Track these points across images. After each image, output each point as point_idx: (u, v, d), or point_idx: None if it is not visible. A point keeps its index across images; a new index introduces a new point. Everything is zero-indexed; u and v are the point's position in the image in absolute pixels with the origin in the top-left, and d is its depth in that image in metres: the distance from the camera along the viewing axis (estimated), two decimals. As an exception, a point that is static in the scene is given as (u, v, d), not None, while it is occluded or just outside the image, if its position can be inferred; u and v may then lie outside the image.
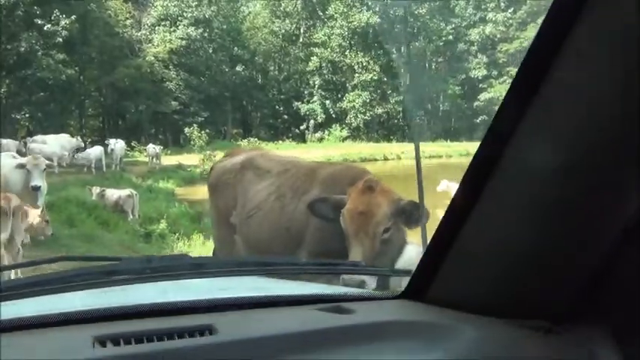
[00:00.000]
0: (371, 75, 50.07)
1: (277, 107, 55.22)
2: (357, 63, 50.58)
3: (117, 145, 28.00)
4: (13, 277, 5.36)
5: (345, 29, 50.44)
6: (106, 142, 28.25)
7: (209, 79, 50.11)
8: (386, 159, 40.11)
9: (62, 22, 32.81)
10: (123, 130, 45.39)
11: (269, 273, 2.07)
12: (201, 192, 27.15)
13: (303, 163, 5.33)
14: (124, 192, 15.88)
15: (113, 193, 15.88)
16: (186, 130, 32.78)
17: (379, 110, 50.84)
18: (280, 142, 46.07)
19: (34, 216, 7.75)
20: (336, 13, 50.62)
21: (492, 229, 1.40)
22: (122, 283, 1.55)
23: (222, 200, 5.39)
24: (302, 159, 5.91)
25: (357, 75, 50.67)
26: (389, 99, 51.24)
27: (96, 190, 16.03)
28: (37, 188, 8.96)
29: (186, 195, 24.49)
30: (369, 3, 49.94)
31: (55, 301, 1.49)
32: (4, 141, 24.91)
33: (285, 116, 55.33)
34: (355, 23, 49.38)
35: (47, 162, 9.29)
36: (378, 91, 51.24)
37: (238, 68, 52.38)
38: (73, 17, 33.44)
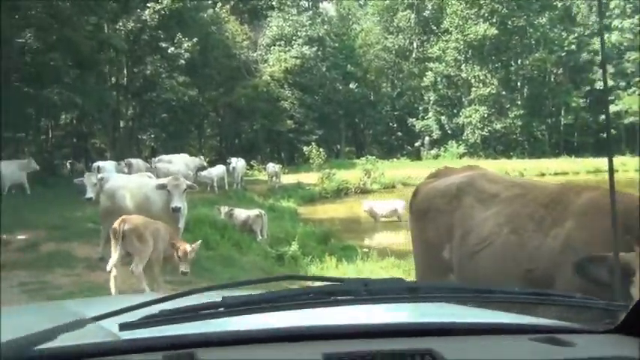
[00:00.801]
0: (488, 89, 48.42)
1: (391, 124, 54.62)
2: (474, 77, 49.09)
3: (238, 163, 28.07)
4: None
5: (461, 42, 49.12)
6: (227, 160, 28.36)
7: (323, 97, 50.25)
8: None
9: (185, 45, 33.72)
10: (239, 149, 46.13)
11: (483, 301, 1.90)
12: (321, 211, 27.09)
13: (541, 185, 4.38)
14: (253, 212, 15.65)
15: (241, 213, 15.68)
16: (305, 148, 32.72)
17: (497, 125, 48.93)
18: (395, 159, 45.15)
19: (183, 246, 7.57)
20: (451, 26, 49.42)
21: None
22: (341, 304, 1.55)
23: (433, 230, 4.52)
24: (536, 180, 4.95)
25: (473, 89, 49.22)
26: (507, 113, 49.26)
27: (224, 209, 15.89)
28: (177, 210, 8.68)
29: (308, 214, 24.21)
30: (486, 15, 48.38)
31: (277, 319, 1.53)
32: (134, 161, 25.52)
33: (399, 133, 54.63)
34: (471, 36, 47.95)
35: (188, 183, 9.01)
36: (496, 105, 49.40)
37: (352, 86, 52.20)
38: (195, 40, 34.29)
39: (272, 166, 30.10)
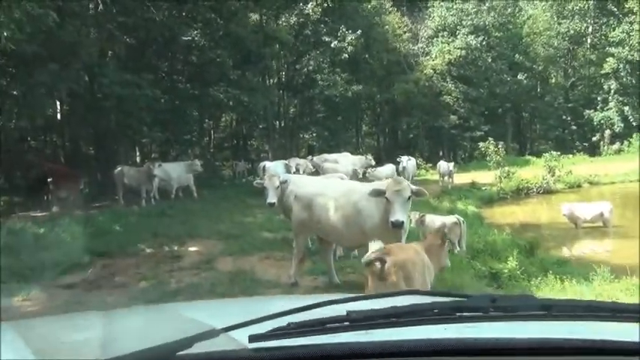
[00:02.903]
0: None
1: (564, 117, 49.92)
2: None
3: (409, 162, 25.93)
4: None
5: (651, 23, 43.45)
6: (397, 159, 26.20)
7: (488, 90, 46.83)
8: None
9: (348, 38, 31.95)
10: (397, 147, 44.01)
11: (622, 320, 1.70)
12: (503, 214, 24.17)
13: None
14: (449, 219, 13.28)
15: (435, 220, 13.39)
16: (481, 144, 29.79)
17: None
18: (570, 155, 40.65)
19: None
20: (637, 5, 43.86)
21: None
22: (468, 321, 1.53)
23: None
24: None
25: (668, 76, 43.47)
26: None
27: (415, 215, 13.65)
28: (399, 225, 6.53)
29: (490, 218, 21.46)
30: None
31: (402, 334, 1.50)
32: (302, 161, 24.18)
33: (573, 126, 49.78)
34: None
35: (413, 188, 6.76)
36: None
37: (519, 77, 48.27)
38: (359, 32, 32.43)
39: (445, 165, 27.53)
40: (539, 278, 10.98)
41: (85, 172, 22.72)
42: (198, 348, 1.37)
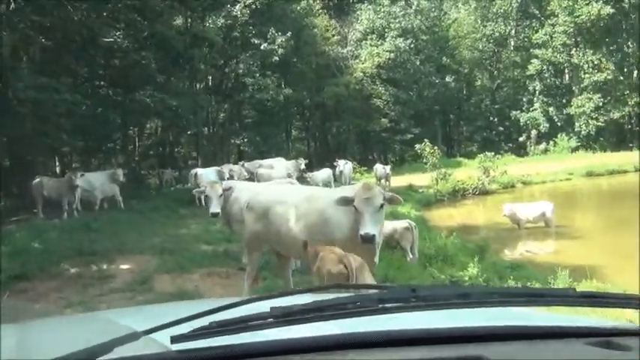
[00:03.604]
0: (604, 74, 43.64)
1: (491, 118, 50.58)
2: (586, 62, 44.41)
3: (346, 166, 25.53)
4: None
5: (570, 25, 44.41)
6: (334, 163, 25.71)
7: (417, 93, 46.98)
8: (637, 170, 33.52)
9: (278, 40, 31.00)
10: (329, 150, 43.49)
11: (536, 305, 1.79)
12: (439, 216, 23.81)
13: None
14: (400, 224, 12.48)
15: (386, 225, 12.60)
16: (417, 146, 29.39)
17: (615, 114, 44.04)
18: (499, 156, 40.94)
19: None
20: (558, 8, 44.85)
21: None
22: (390, 311, 1.52)
23: None
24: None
25: (586, 76, 44.52)
26: (627, 101, 44.25)
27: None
28: (371, 239, 5.65)
29: (431, 221, 20.96)
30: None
31: (326, 327, 1.52)
32: (236, 167, 23.33)
33: (500, 128, 50.50)
34: (583, 17, 43.21)
35: (387, 194, 5.88)
36: (613, 92, 44.53)
37: (447, 79, 48.66)
38: (289, 34, 31.54)
39: (381, 168, 27.02)
40: (500, 284, 10.45)
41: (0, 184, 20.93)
42: (120, 352, 1.35)
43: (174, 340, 1.37)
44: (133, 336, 1.42)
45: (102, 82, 25.60)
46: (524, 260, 14.02)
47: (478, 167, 28.62)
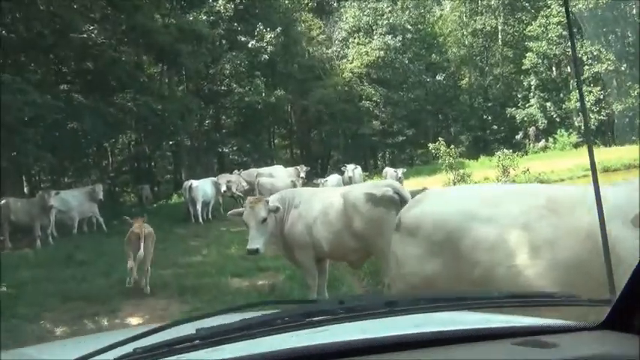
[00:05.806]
0: (605, 65, 41.44)
1: (485, 116, 48.24)
2: (585, 53, 42.22)
3: (355, 171, 23.07)
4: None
5: (566, 16, 42.21)
6: (342, 168, 23.36)
7: (407, 92, 44.55)
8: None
9: (267, 37, 27.99)
10: (314, 157, 41.91)
11: (462, 307, 1.86)
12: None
13: None
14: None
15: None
16: (431, 145, 26.69)
17: (619, 107, 41.88)
18: (494, 155, 38.62)
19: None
20: (552, -2, 42.68)
21: None
22: (318, 325, 1.52)
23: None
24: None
25: (585, 68, 42.31)
26: (629, 93, 42.10)
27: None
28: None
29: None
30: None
31: (254, 346, 1.46)
32: (232, 177, 20.82)
33: (494, 126, 48.16)
34: (580, 6, 40.99)
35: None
36: (614, 84, 42.45)
37: (438, 77, 46.34)
38: (278, 30, 28.53)
39: (392, 171, 24.19)
40: None
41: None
42: None
43: None
44: None
45: (75, 83, 22.20)
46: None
47: (496, 166, 26.05)
